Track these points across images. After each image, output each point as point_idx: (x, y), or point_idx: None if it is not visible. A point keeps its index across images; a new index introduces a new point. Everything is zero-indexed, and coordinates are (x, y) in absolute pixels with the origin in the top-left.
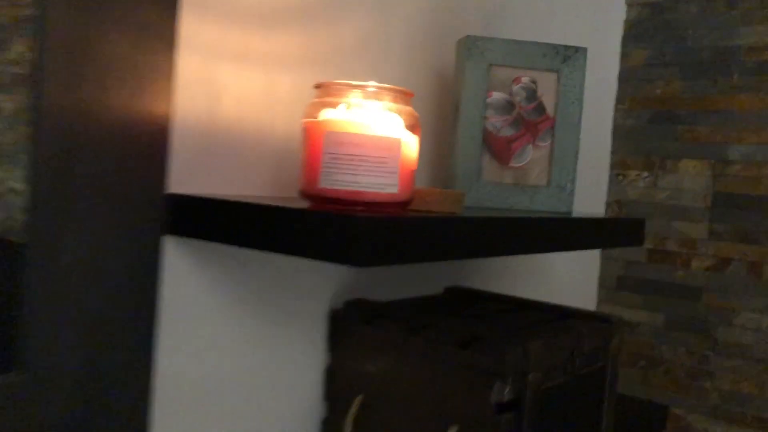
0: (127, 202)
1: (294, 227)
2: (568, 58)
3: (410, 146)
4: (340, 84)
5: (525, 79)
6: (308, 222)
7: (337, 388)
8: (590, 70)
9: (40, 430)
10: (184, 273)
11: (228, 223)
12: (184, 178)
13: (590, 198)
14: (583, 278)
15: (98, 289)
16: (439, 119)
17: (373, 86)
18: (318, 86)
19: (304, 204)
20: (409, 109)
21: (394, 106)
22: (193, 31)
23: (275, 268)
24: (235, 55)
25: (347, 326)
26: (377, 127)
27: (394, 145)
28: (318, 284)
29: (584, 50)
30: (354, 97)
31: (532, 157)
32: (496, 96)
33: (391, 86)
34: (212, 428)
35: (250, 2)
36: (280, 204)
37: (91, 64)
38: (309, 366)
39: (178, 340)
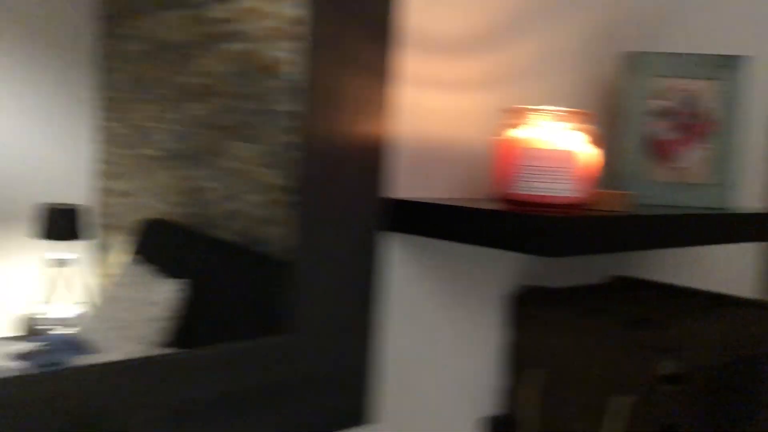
0: (355, 205)
1: (497, 225)
2: (729, 67)
3: (589, 157)
4: (526, 108)
5: (686, 87)
6: (509, 221)
7: (517, 362)
8: (755, 76)
9: (308, 378)
10: (396, 263)
11: (440, 222)
12: (400, 185)
13: (750, 194)
14: (744, 268)
15: (339, 273)
16: (600, 125)
17: (556, 110)
18: (507, 110)
19: (499, 206)
20: (588, 126)
21: (575, 125)
22: (404, 67)
23: (462, 259)
24: (433, 81)
25: (528, 309)
26: (561, 143)
27: (575, 158)
28: (497, 273)
29: (747, 59)
30: (539, 118)
31: (694, 158)
32: (660, 103)
33: (572, 109)
34: (415, 391)
35: (441, 39)
36: (486, 206)
37: (332, 96)
38: (490, 343)
39: (393, 317)
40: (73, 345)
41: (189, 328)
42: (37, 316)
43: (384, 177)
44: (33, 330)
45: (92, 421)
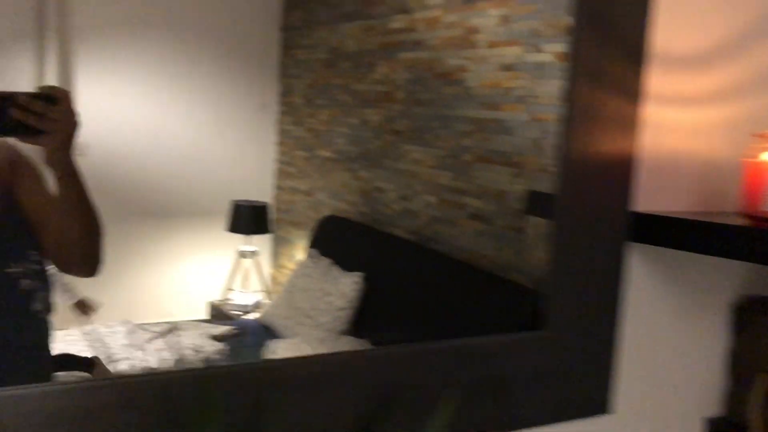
0: (605, 216)
1: (746, 240)
2: None
3: None
4: None
5: None
6: (759, 236)
7: (741, 367)
8: None
9: (554, 369)
10: (636, 271)
11: (684, 235)
12: (641, 197)
13: None
14: None
15: (589, 277)
16: None
17: None
18: (760, 135)
19: (746, 221)
20: None
21: None
22: (648, 83)
23: (691, 269)
24: (674, 97)
25: (751, 316)
26: None
27: None
28: (723, 283)
29: None
30: None
31: None
32: None
33: None
34: (647, 387)
35: (683, 54)
36: (734, 222)
37: (589, 113)
38: (715, 348)
39: (632, 319)
40: (260, 330)
41: (365, 317)
42: (227, 302)
43: (631, 190)
44: (223, 314)
45: (392, 396)
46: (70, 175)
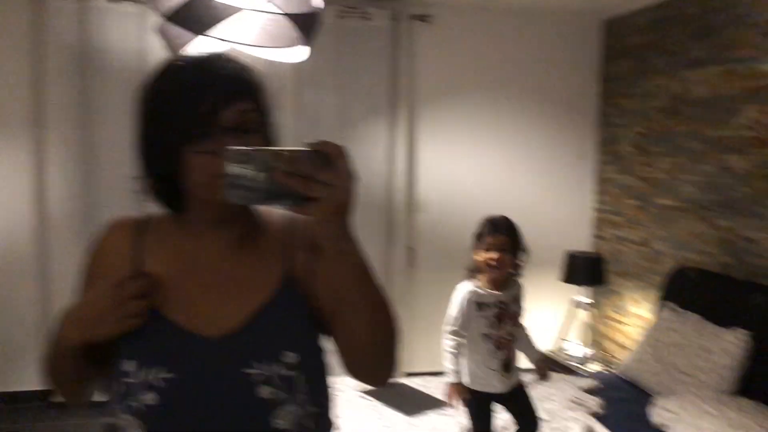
0: None
1: None
2: None
3: None
4: None
5: None
6: None
7: None
8: None
9: None
10: None
11: None
12: None
13: None
14: None
15: None
16: None
17: None
18: None
19: None
20: None
21: None
22: None
23: None
24: None
25: None
26: None
27: None
28: None
29: None
30: None
31: None
32: None
33: None
34: None
35: None
36: None
37: None
38: None
39: None
40: (622, 384)
41: (753, 377)
42: (561, 353)
43: None
44: (558, 365)
45: None
46: (345, 251)
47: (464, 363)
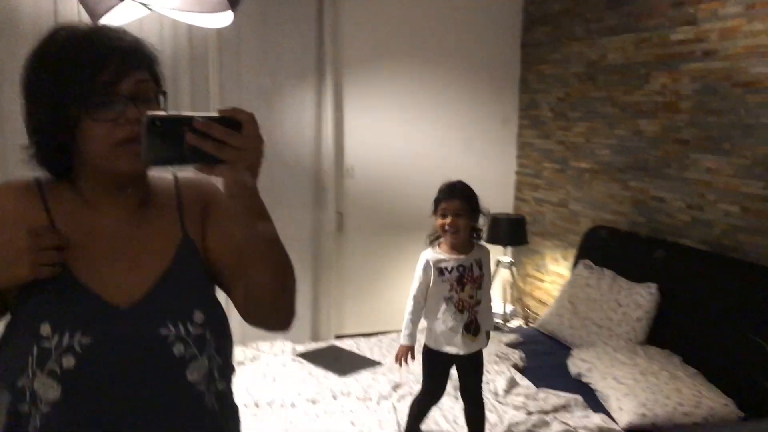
0: None
1: None
2: None
3: None
4: None
5: None
6: None
7: None
8: None
9: None
10: None
11: None
12: None
13: None
14: None
15: None
16: None
17: None
18: None
19: None
20: None
21: None
22: None
23: None
24: None
25: None
26: None
27: None
28: None
29: None
30: None
31: None
32: None
33: None
34: None
35: None
36: None
37: None
38: None
39: None
40: (542, 338)
41: (662, 327)
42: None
43: None
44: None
45: None
46: (253, 211)
47: (428, 324)
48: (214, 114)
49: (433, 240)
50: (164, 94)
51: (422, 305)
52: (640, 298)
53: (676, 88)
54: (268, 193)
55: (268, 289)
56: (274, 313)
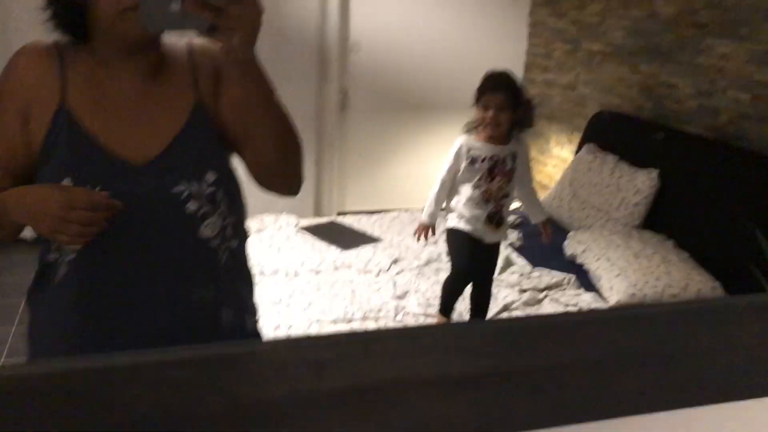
0: None
1: None
2: None
3: None
4: None
5: None
6: None
7: None
8: None
9: None
10: None
11: None
12: None
13: None
14: None
15: None
16: None
17: None
18: None
19: None
20: None
21: None
22: None
23: None
24: None
25: None
26: None
27: None
28: None
29: None
30: None
31: None
32: None
33: None
34: None
35: None
36: None
37: None
38: None
39: None
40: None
41: (660, 213)
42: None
43: None
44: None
45: None
46: (251, 75)
47: (454, 205)
48: None
49: (471, 128)
50: None
51: (448, 188)
52: (640, 183)
53: None
54: (270, 67)
55: (273, 153)
56: (280, 178)
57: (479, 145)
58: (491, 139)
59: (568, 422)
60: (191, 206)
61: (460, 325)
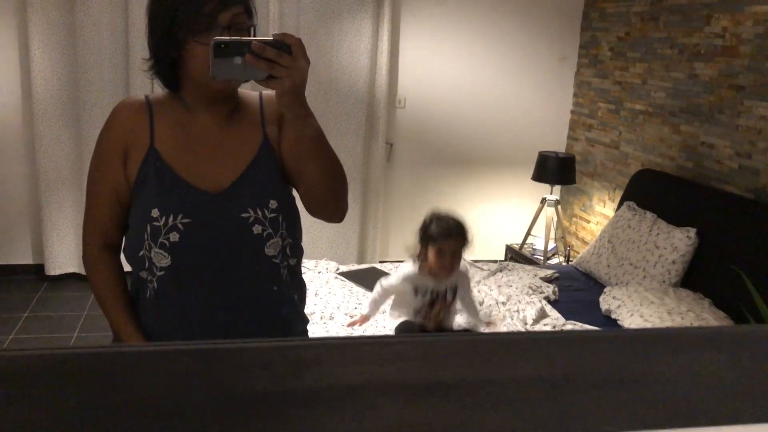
0: None
1: None
2: None
3: None
4: None
5: None
6: None
7: None
8: None
9: None
10: None
11: None
12: None
13: None
14: None
15: None
16: None
17: None
18: None
19: None
20: None
21: None
22: None
23: None
24: None
25: None
26: None
27: None
28: None
29: None
30: None
31: None
32: None
33: None
34: None
35: None
36: None
37: None
38: None
39: None
40: (579, 275)
41: (696, 272)
42: (527, 247)
43: None
44: (522, 258)
45: None
46: (301, 117)
47: (392, 310)
48: (269, 38)
49: (417, 258)
50: (254, 26)
51: (387, 298)
52: (678, 242)
53: (737, 32)
54: (322, 118)
55: (321, 184)
56: (327, 206)
57: (424, 279)
58: (437, 276)
59: None
60: (256, 229)
61: (429, 337)
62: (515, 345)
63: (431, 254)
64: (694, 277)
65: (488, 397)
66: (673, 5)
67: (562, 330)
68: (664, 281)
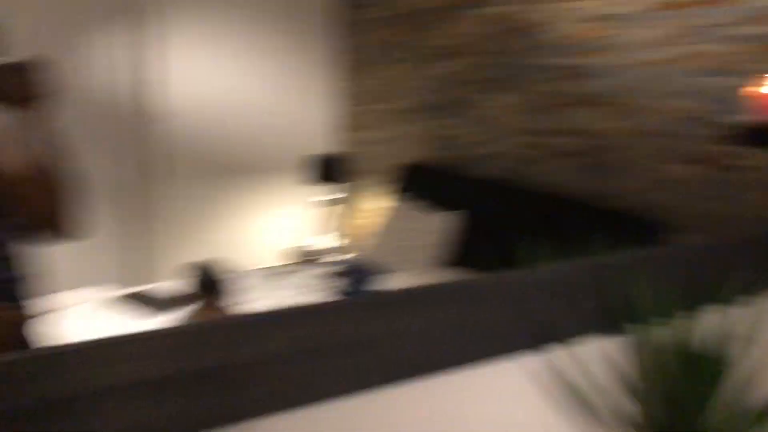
0: None
1: None
2: None
3: None
4: None
5: None
6: None
7: None
8: None
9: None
10: None
11: None
12: None
13: None
14: None
15: None
16: None
17: None
18: None
19: None
20: None
21: None
22: None
23: None
24: None
25: None
26: None
27: None
28: None
29: None
30: None
31: None
32: None
33: None
34: None
35: None
36: None
37: None
38: None
39: None
40: (368, 268)
41: (461, 251)
42: (306, 248)
43: None
44: (305, 259)
45: None
46: (33, 138)
47: None
48: (5, 61)
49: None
50: None
51: None
52: (439, 225)
53: (468, 32)
54: (84, 136)
55: (47, 206)
56: (54, 225)
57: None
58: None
59: (264, 414)
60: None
61: (151, 331)
62: (236, 329)
63: (206, 309)
64: (470, 257)
65: (223, 381)
66: (414, 11)
67: (283, 308)
68: (431, 263)
